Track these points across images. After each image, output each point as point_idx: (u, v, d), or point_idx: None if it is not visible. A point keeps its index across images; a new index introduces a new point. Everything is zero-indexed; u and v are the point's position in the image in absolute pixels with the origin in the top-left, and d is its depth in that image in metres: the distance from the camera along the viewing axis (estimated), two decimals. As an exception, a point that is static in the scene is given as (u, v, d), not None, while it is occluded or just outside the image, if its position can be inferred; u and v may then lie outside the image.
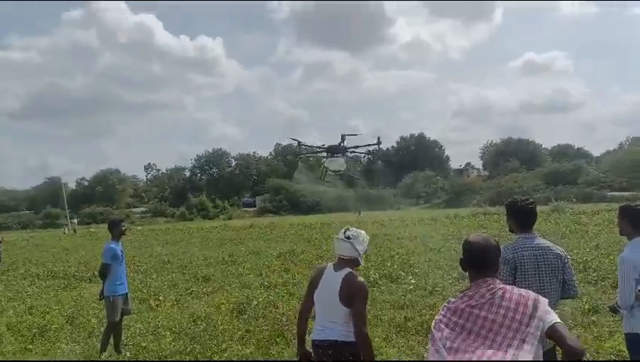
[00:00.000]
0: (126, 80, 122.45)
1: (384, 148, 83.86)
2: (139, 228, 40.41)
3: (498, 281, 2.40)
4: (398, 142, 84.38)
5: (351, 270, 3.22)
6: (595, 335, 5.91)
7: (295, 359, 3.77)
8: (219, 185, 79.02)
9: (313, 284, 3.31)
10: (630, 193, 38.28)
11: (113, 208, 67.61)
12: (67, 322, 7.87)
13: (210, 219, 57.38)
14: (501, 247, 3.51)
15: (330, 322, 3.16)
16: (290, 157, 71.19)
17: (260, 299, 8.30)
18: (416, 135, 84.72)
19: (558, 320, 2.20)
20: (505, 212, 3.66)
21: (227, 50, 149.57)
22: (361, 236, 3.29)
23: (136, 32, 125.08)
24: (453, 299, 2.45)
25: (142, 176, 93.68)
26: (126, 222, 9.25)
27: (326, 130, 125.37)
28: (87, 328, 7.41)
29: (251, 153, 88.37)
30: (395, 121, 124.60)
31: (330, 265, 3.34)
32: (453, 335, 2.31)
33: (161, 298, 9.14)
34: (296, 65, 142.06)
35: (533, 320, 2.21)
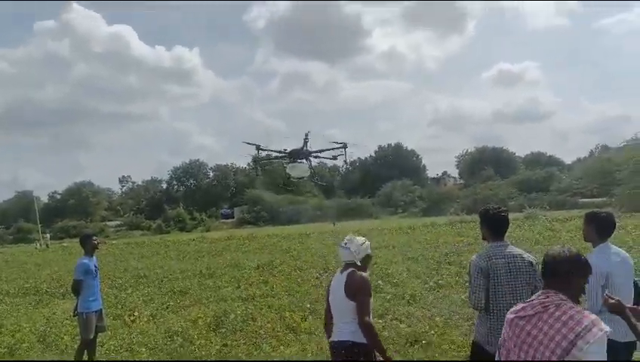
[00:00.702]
0: (101, 91, 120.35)
1: (362, 158, 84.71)
2: (114, 241, 39.61)
3: (562, 296, 2.21)
4: (376, 152, 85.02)
5: (353, 268, 3.46)
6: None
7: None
8: (196, 197, 78.16)
9: (328, 291, 3.63)
10: (601, 199, 39.37)
11: (87, 222, 66.13)
12: (38, 340, 7.65)
13: (187, 231, 56.65)
14: (474, 256, 3.60)
15: (343, 323, 3.38)
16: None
17: (238, 312, 8.23)
18: (393, 144, 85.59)
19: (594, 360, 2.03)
20: (479, 220, 3.74)
21: (204, 61, 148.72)
22: (356, 241, 3.52)
23: (110, 42, 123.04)
24: (516, 308, 2.39)
25: (116, 188, 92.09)
26: (100, 236, 9.07)
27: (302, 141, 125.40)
28: (59, 346, 7.21)
29: (229, 164, 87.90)
30: (373, 131, 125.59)
31: (338, 270, 3.61)
32: (503, 348, 2.36)
33: (136, 313, 8.95)
34: (273, 76, 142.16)
35: (573, 347, 2.05)
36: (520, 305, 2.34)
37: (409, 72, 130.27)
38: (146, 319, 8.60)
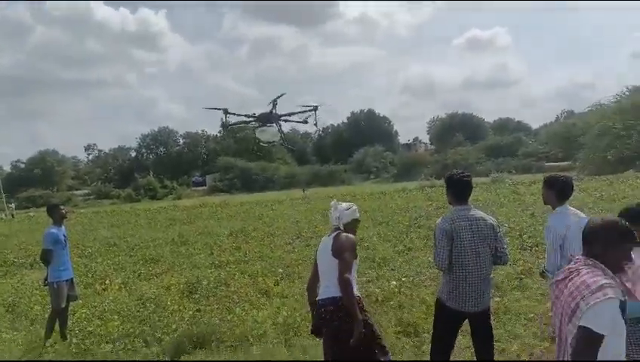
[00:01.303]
0: (62, 57, 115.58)
1: (335, 124, 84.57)
2: (82, 211, 38.79)
3: (590, 261, 2.26)
4: (348, 118, 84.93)
5: (340, 230, 3.62)
6: (529, 297, 6.35)
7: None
8: (167, 165, 76.89)
9: (316, 255, 3.76)
10: (565, 163, 40.66)
11: (53, 191, 64.41)
12: (7, 310, 7.57)
13: (158, 199, 55.92)
14: (439, 220, 3.72)
15: (328, 281, 3.50)
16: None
17: (211, 278, 8.29)
18: (366, 110, 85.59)
19: (587, 326, 2.09)
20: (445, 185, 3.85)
21: (171, 24, 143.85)
22: (340, 207, 3.69)
23: (70, 5, 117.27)
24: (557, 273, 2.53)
25: (82, 157, 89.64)
26: (67, 206, 8.88)
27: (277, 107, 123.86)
28: (29, 316, 7.15)
29: (200, 131, 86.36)
30: (345, 97, 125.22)
31: (326, 234, 3.75)
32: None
33: (107, 282, 8.90)
34: (242, 41, 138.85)
35: (577, 308, 2.15)
36: (560, 271, 2.43)
37: (381, 39, 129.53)
38: (117, 287, 8.58)
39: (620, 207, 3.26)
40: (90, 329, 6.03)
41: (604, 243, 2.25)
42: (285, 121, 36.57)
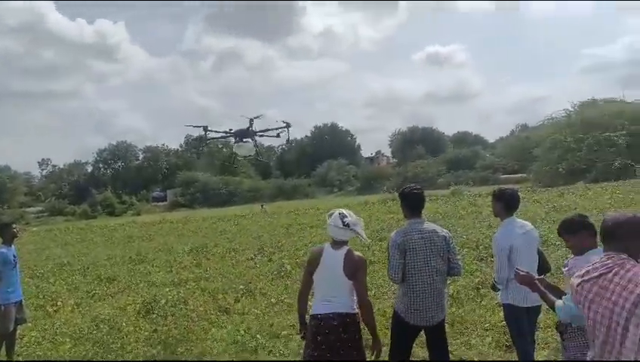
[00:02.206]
0: (14, 67, 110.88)
1: (298, 138, 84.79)
2: (34, 228, 37.14)
3: (623, 256, 2.25)
4: (312, 132, 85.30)
5: (349, 247, 3.54)
6: (485, 308, 6.52)
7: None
8: (125, 180, 74.80)
9: (312, 265, 3.59)
10: (520, 175, 42.15)
11: (4, 208, 61.40)
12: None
13: (116, 216, 54.18)
14: (393, 233, 3.79)
15: (333, 297, 3.46)
16: (205, 149, 71.30)
17: (169, 297, 8.09)
18: (329, 124, 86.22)
19: None
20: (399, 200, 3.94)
21: (131, 36, 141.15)
22: (359, 221, 3.59)
23: (24, 14, 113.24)
24: (579, 273, 2.40)
25: (36, 172, 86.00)
26: (19, 224, 8.51)
27: (240, 121, 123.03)
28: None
29: (160, 145, 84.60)
30: (310, 111, 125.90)
31: (327, 245, 3.60)
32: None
33: (59, 303, 8.55)
34: (206, 54, 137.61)
35: (636, 308, 2.06)
36: (583, 270, 2.36)
37: (345, 52, 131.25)
38: (70, 308, 8.25)
39: None
40: (40, 353, 5.78)
41: (626, 238, 2.28)
42: (261, 136, 39.59)
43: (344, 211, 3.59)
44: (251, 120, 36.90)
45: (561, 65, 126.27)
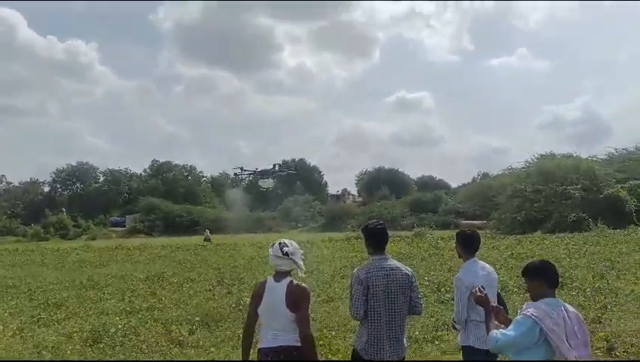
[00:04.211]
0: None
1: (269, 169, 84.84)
2: (-20, 248, 35.10)
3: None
4: (279, 166, 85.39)
5: (291, 278, 3.48)
6: (443, 350, 6.51)
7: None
8: (83, 203, 72.28)
9: (256, 299, 3.52)
10: (480, 222, 43.15)
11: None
12: None
13: (69, 239, 51.96)
14: (355, 269, 3.78)
15: (279, 330, 3.39)
16: (169, 175, 73.95)
17: (119, 326, 7.72)
18: (297, 160, 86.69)
19: None
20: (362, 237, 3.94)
21: (102, 57, 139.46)
22: (297, 251, 3.54)
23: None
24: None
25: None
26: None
27: (207, 150, 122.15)
28: None
29: (123, 169, 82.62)
30: (278, 145, 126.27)
31: (269, 278, 3.55)
32: None
33: (0, 327, 8.02)
34: (177, 81, 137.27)
35: None
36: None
37: (316, 90, 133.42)
38: (11, 333, 7.74)
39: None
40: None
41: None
42: (274, 174, 54.76)
43: (285, 241, 3.58)
44: (275, 166, 53.81)
45: (522, 118, 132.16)
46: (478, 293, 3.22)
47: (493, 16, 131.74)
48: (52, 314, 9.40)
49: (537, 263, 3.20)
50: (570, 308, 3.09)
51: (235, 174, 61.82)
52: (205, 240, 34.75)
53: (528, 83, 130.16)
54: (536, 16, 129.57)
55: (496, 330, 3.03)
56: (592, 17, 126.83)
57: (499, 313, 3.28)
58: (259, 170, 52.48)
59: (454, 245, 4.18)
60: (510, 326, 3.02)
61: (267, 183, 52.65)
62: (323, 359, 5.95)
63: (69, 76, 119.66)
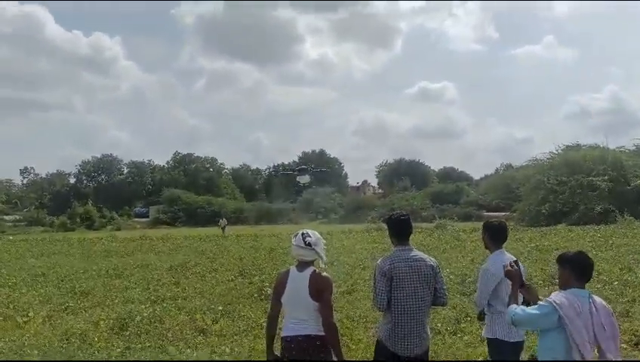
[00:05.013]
0: (4, 74, 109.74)
1: (286, 163, 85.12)
2: (10, 237, 36.21)
3: None
4: (300, 158, 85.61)
5: (314, 268, 3.49)
6: (466, 341, 6.45)
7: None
8: (108, 194, 73.72)
9: (280, 288, 3.54)
10: (503, 214, 42.54)
11: (-20, 215, 59.93)
12: None
13: (95, 229, 53.12)
14: (379, 260, 3.75)
15: (302, 319, 3.41)
16: (190, 167, 78.42)
17: (145, 314, 7.87)
18: (317, 151, 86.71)
19: None
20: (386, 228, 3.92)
21: (126, 51, 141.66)
22: (320, 241, 3.54)
23: (21, 22, 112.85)
24: None
25: (17, 180, 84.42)
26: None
27: (227, 142, 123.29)
28: None
29: (146, 161, 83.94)
30: (298, 137, 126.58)
31: (292, 268, 3.56)
32: None
33: (30, 314, 8.27)
34: (199, 74, 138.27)
35: None
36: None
37: (337, 82, 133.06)
38: (41, 320, 7.98)
39: (552, 258, 3.51)
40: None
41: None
42: (311, 172, 62.19)
43: (308, 231, 3.58)
44: (310, 165, 62.55)
45: (547, 109, 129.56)
46: (509, 267, 3.29)
47: (518, 4, 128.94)
48: (79, 302, 9.64)
49: (570, 253, 3.18)
50: (599, 301, 3.07)
51: (276, 170, 70.70)
52: (220, 227, 35.04)
53: (554, 72, 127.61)
54: (563, 3, 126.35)
55: (516, 305, 3.12)
56: (621, 4, 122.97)
57: (530, 291, 3.30)
58: (297, 168, 62.86)
59: (481, 236, 4.12)
60: (532, 306, 3.08)
61: (304, 179, 58.75)
62: (345, 348, 5.96)
63: (93, 70, 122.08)
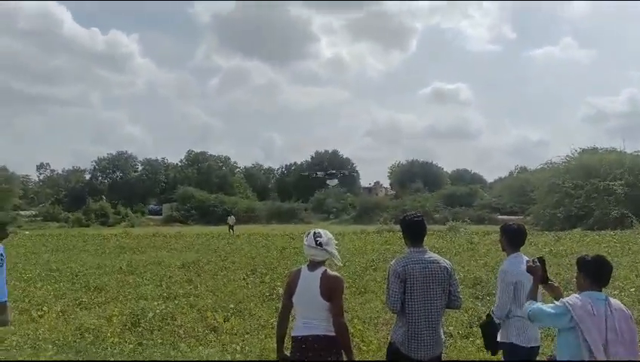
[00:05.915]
0: (22, 70, 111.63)
1: (298, 163, 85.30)
2: (27, 232, 36.78)
3: None
4: (312, 158, 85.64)
5: (326, 268, 3.50)
6: (478, 346, 6.38)
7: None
8: (122, 191, 74.50)
9: (291, 287, 3.55)
10: (517, 217, 42.09)
11: (-3, 209, 60.86)
12: None
13: (109, 226, 53.74)
14: (393, 261, 3.73)
15: (313, 319, 3.41)
16: (204, 165, 79.49)
17: (157, 311, 7.93)
18: (330, 151, 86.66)
19: None
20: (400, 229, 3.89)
21: (142, 48, 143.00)
22: (331, 241, 3.56)
23: (39, 19, 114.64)
24: None
25: (34, 176, 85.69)
26: (12, 226, 8.42)
27: (240, 140, 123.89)
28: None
29: (160, 159, 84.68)
30: (311, 136, 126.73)
31: (303, 267, 3.58)
32: None
33: (45, 308, 8.38)
34: (214, 72, 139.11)
35: None
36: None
37: (351, 82, 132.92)
38: (55, 315, 8.08)
39: (567, 262, 3.47)
40: (21, 358, 5.62)
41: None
42: (338, 173, 72.10)
43: (320, 231, 3.59)
44: (337, 169, 70.74)
45: (563, 111, 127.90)
46: (531, 263, 3.35)
47: (536, 4, 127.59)
48: (93, 297, 9.75)
49: (589, 257, 3.19)
50: (617, 304, 3.07)
51: (309, 174, 75.45)
52: (229, 225, 35.05)
53: (572, 74, 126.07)
54: (582, 4, 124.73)
55: (533, 302, 3.18)
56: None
57: (553, 288, 3.33)
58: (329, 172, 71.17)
59: (499, 238, 4.08)
60: (548, 305, 3.13)
61: (333, 182, 67.06)
62: (356, 349, 5.94)
63: (109, 67, 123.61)
